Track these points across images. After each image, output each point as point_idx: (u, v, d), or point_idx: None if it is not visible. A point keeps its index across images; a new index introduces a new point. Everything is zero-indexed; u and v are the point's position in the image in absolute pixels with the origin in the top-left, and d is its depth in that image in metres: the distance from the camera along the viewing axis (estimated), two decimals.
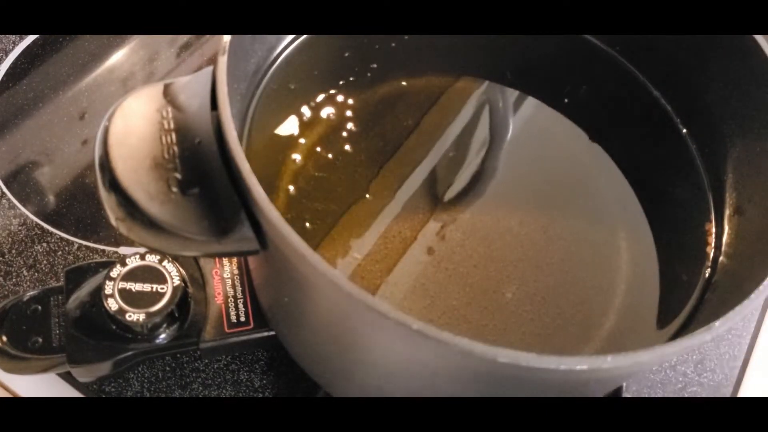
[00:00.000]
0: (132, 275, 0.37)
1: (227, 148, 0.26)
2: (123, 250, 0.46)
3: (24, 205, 0.47)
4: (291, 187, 0.35)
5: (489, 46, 0.40)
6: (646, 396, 0.44)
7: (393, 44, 0.40)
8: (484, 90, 0.40)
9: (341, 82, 0.38)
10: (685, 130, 0.38)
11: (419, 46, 0.40)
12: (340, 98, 0.38)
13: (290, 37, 0.38)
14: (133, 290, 0.36)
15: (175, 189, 0.27)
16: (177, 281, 0.37)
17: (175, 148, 0.27)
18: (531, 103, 0.40)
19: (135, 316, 0.36)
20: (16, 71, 0.53)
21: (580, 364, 0.23)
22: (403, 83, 0.40)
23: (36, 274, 0.44)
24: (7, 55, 0.53)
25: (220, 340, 0.38)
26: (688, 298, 0.33)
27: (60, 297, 0.38)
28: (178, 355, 0.42)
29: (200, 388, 0.41)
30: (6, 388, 0.42)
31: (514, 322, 0.33)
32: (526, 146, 0.39)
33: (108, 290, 0.36)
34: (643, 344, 0.24)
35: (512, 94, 0.40)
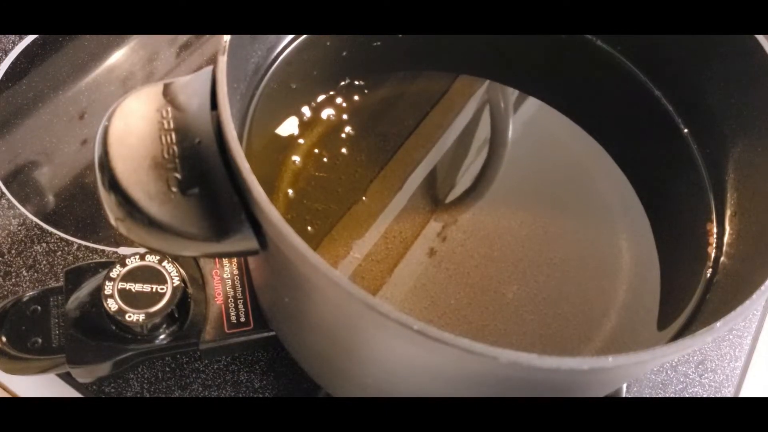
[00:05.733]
0: (132, 275, 0.37)
1: (227, 147, 0.26)
2: (123, 250, 0.46)
3: (23, 205, 0.47)
4: (291, 187, 0.35)
5: (489, 45, 0.40)
6: (647, 396, 0.44)
7: (393, 44, 0.40)
8: (485, 90, 0.40)
9: (341, 82, 0.38)
10: (686, 130, 0.38)
11: (419, 46, 0.40)
12: (340, 98, 0.38)
13: (290, 37, 0.38)
14: (133, 291, 0.36)
15: (174, 189, 0.27)
16: (177, 282, 0.37)
17: (175, 148, 0.27)
18: (532, 103, 0.40)
19: (135, 316, 0.36)
20: (16, 71, 0.53)
21: (581, 364, 0.23)
22: (404, 83, 0.40)
23: (35, 274, 0.44)
24: (6, 55, 0.53)
25: (220, 341, 0.37)
26: (689, 298, 0.33)
27: (59, 297, 0.38)
28: (178, 356, 0.42)
29: (200, 388, 0.41)
30: (5, 389, 0.42)
31: (514, 322, 0.33)
32: (526, 146, 0.39)
33: (108, 290, 0.36)
34: (644, 345, 0.24)
35: (513, 94, 0.40)
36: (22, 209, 0.47)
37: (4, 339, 0.37)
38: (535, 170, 0.38)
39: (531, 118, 0.39)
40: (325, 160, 0.36)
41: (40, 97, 0.52)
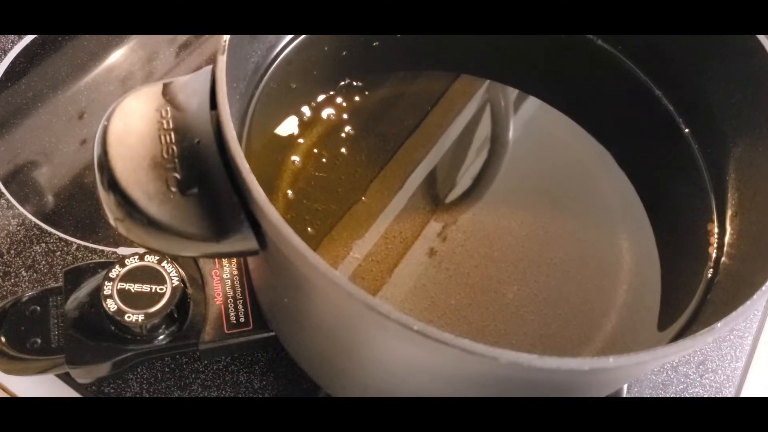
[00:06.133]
0: (131, 276, 0.37)
1: (227, 147, 0.26)
2: (122, 250, 0.46)
3: (23, 205, 0.47)
4: (291, 188, 0.35)
5: (490, 45, 0.40)
6: (648, 397, 0.44)
7: (393, 43, 0.40)
8: (485, 90, 0.40)
9: (341, 82, 0.38)
10: (687, 130, 0.38)
11: (419, 46, 0.40)
12: (340, 98, 0.38)
13: (290, 36, 0.38)
14: (132, 291, 0.36)
15: (174, 189, 0.27)
16: (176, 282, 0.37)
17: (174, 148, 0.27)
18: (532, 102, 0.39)
19: (134, 316, 0.36)
20: (15, 71, 0.52)
21: (582, 365, 0.23)
22: (404, 83, 0.40)
23: (35, 274, 0.44)
24: (5, 55, 0.53)
25: (219, 341, 0.37)
26: (690, 298, 0.33)
27: (59, 298, 0.38)
28: (178, 356, 0.42)
29: (199, 389, 0.41)
30: (5, 389, 0.42)
31: (515, 322, 0.33)
32: (527, 146, 0.39)
33: (107, 291, 0.36)
34: (645, 345, 0.24)
35: (513, 93, 0.40)
36: (22, 209, 0.47)
37: (3, 339, 0.37)
38: (536, 170, 0.38)
39: (531, 118, 0.39)
40: (324, 160, 0.36)
41: (40, 96, 0.51)
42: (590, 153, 0.38)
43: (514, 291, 0.33)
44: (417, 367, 0.28)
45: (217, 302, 0.38)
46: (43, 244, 0.45)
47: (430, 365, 0.27)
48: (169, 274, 0.37)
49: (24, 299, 0.38)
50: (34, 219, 0.46)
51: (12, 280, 0.44)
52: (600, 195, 0.37)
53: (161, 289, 0.36)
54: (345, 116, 0.37)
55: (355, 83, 0.38)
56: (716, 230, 0.35)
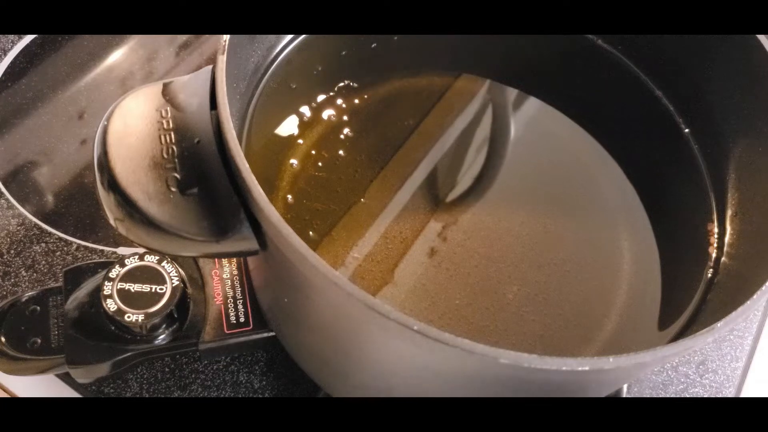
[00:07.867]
0: (131, 276, 0.37)
1: (227, 147, 0.26)
2: (122, 250, 0.46)
3: (22, 205, 0.47)
4: (291, 187, 0.35)
5: (490, 45, 0.40)
6: (648, 397, 0.44)
7: (393, 43, 0.40)
8: (486, 90, 0.40)
9: (341, 82, 0.38)
10: (687, 130, 0.38)
11: (420, 46, 0.40)
12: (340, 98, 0.38)
13: (289, 36, 0.38)
14: (132, 291, 0.36)
15: (174, 189, 0.27)
16: (176, 282, 0.37)
17: (174, 148, 0.27)
18: (533, 102, 0.39)
19: (134, 316, 0.36)
20: (15, 71, 0.52)
21: (582, 365, 0.23)
22: (404, 83, 0.40)
23: (34, 274, 0.44)
24: (5, 54, 0.53)
25: (219, 341, 0.37)
26: (690, 298, 0.33)
27: (59, 297, 0.38)
28: (178, 356, 0.42)
29: (199, 389, 0.41)
30: (5, 389, 0.42)
31: (515, 322, 0.33)
32: (527, 146, 0.39)
33: (107, 291, 0.36)
34: (645, 345, 0.24)
35: (513, 93, 0.40)
36: (21, 209, 0.47)
37: (3, 339, 0.37)
38: (536, 170, 0.38)
39: (532, 118, 0.39)
40: (324, 160, 0.36)
41: (39, 96, 0.51)
42: (590, 153, 0.38)
43: (514, 291, 0.33)
44: (417, 367, 0.28)
45: (217, 302, 0.38)
46: (43, 244, 0.45)
47: (430, 365, 0.27)
48: (169, 274, 0.37)
49: (24, 299, 0.38)
50: (34, 219, 0.46)
51: (12, 280, 0.44)
52: (600, 195, 0.37)
53: (161, 289, 0.36)
54: (345, 116, 0.37)
55: (355, 83, 0.38)
56: (716, 230, 0.35)
